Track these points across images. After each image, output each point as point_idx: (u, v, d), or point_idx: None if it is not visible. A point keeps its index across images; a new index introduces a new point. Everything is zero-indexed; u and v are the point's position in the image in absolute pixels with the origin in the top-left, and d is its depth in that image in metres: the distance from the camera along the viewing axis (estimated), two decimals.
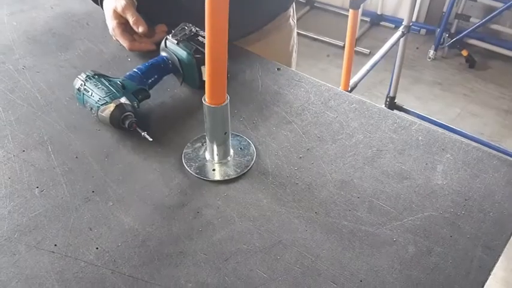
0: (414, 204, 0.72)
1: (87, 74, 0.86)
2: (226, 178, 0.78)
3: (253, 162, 0.80)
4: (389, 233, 0.68)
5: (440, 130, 0.85)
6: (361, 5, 1.95)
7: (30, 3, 1.27)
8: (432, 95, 2.94)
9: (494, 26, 3.06)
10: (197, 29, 0.92)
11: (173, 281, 0.63)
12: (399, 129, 0.85)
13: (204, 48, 0.87)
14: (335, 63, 3.16)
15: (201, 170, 0.79)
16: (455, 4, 2.99)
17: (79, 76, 0.86)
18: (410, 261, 0.65)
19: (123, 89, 0.85)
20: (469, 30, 2.98)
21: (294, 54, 1.27)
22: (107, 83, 0.84)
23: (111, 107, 0.81)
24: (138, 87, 0.87)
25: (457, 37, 3.05)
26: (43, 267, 0.65)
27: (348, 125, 0.86)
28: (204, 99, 0.71)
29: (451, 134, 0.84)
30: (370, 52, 3.17)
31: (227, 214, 0.72)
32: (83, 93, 0.84)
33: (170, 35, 0.91)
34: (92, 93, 0.83)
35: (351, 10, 1.89)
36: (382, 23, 3.55)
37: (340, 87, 2.09)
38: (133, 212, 0.72)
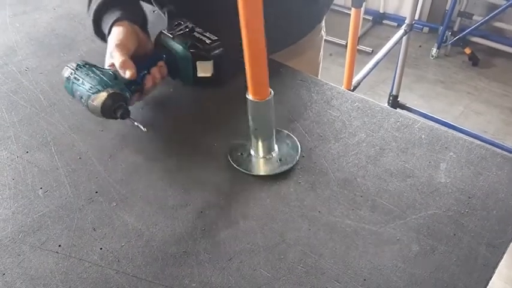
0: (417, 203, 0.72)
1: (78, 63, 0.83)
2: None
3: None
4: (393, 232, 0.68)
5: (444, 128, 0.85)
6: (364, 4, 1.95)
7: (33, 5, 1.27)
8: (435, 93, 2.93)
9: (498, 24, 3.05)
10: (193, 25, 0.90)
11: (177, 281, 0.63)
12: (402, 127, 0.85)
13: (200, 43, 0.85)
14: (337, 62, 3.15)
15: None
16: (458, 2, 2.98)
17: (68, 65, 0.83)
18: (414, 259, 0.65)
19: (115, 79, 0.81)
20: (472, 28, 2.97)
21: (321, 64, 1.27)
22: (98, 73, 0.81)
23: (103, 96, 0.78)
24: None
25: (460, 35, 3.04)
26: (47, 268, 0.65)
27: (350, 124, 0.86)
28: (248, 95, 0.72)
29: (454, 132, 0.84)
30: (372, 51, 3.16)
31: (230, 213, 0.72)
32: (73, 82, 0.81)
33: (165, 30, 0.89)
34: (82, 82, 0.80)
35: (353, 9, 1.89)
36: (385, 21, 3.54)
37: (342, 86, 2.09)
38: (137, 212, 0.72)
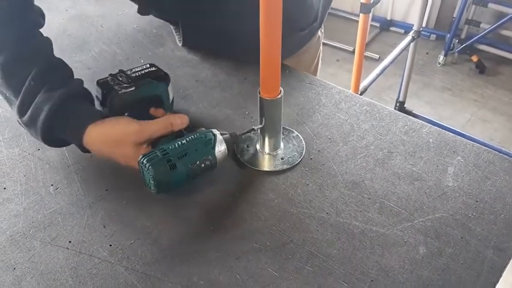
0: (425, 206, 0.72)
1: (153, 153, 0.69)
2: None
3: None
4: (400, 234, 0.69)
5: (451, 133, 0.85)
6: (371, 10, 1.95)
7: (46, 6, 1.27)
8: (442, 101, 2.93)
9: (505, 32, 3.05)
10: (119, 71, 0.79)
11: (185, 279, 0.64)
12: (410, 131, 0.86)
13: (155, 72, 0.81)
14: (345, 68, 3.16)
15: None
16: (465, 10, 2.98)
17: (145, 161, 0.68)
18: (421, 261, 0.65)
19: (192, 131, 0.75)
20: (479, 35, 2.97)
21: (320, 63, 1.28)
22: (180, 140, 0.72)
23: (221, 140, 0.74)
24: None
25: (467, 43, 3.04)
26: (57, 263, 0.66)
27: (358, 127, 0.87)
28: (260, 93, 0.74)
29: (462, 137, 0.84)
30: (379, 57, 3.17)
31: (238, 214, 0.72)
32: (182, 156, 0.70)
33: (115, 91, 0.76)
34: (184, 152, 0.70)
35: (361, 14, 1.90)
36: (392, 28, 3.54)
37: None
38: (146, 210, 0.73)
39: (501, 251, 0.66)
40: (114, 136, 0.72)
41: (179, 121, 0.75)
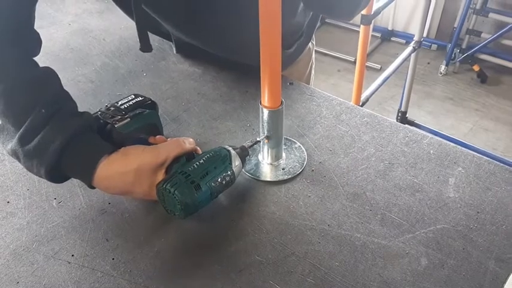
0: (426, 217, 0.72)
1: (173, 177, 0.69)
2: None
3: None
4: (402, 246, 0.69)
5: (452, 144, 0.86)
6: (372, 21, 1.97)
7: (49, 20, 1.30)
8: (444, 110, 2.93)
9: (506, 41, 3.06)
10: (107, 106, 0.79)
11: None
12: (411, 142, 0.86)
13: (140, 101, 0.81)
14: (346, 78, 3.17)
15: None
16: (466, 19, 3.00)
17: (168, 186, 0.67)
18: (423, 273, 0.65)
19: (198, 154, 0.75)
20: (480, 45, 2.98)
21: (312, 73, 1.29)
22: (197, 160, 0.72)
23: (235, 154, 0.75)
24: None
25: (469, 52, 3.05)
26: (60, 277, 0.66)
27: (359, 139, 0.87)
28: (261, 103, 0.76)
29: (463, 148, 0.84)
30: (381, 67, 3.18)
31: (240, 226, 0.73)
32: (203, 175, 0.70)
33: (111, 125, 0.75)
34: (206, 170, 0.70)
35: (362, 26, 1.91)
36: (393, 38, 3.56)
37: (351, 102, 2.09)
38: (149, 224, 0.73)
39: (503, 262, 0.66)
40: (132, 165, 0.69)
41: (187, 141, 0.75)
